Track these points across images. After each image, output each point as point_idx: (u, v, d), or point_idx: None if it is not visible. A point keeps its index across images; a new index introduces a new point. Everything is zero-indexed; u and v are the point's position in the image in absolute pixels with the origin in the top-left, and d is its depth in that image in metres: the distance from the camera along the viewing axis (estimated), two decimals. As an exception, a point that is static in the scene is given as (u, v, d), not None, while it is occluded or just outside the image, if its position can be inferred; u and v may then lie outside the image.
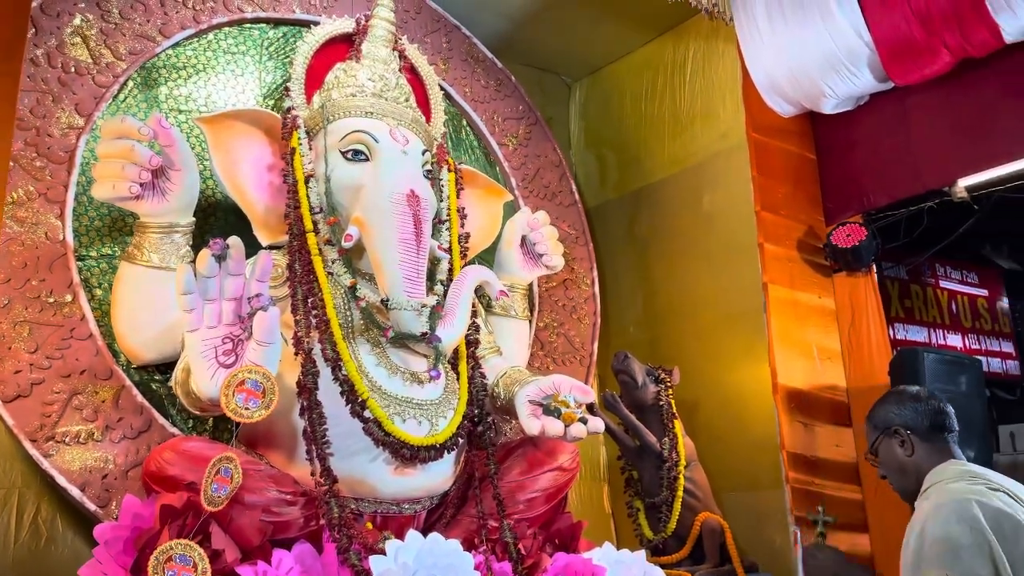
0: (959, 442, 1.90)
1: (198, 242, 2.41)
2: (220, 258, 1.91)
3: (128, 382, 2.33)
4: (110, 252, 2.45)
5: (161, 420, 2.35)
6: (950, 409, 1.92)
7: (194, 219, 2.41)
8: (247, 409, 1.90)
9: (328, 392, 2.21)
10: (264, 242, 2.49)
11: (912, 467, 1.87)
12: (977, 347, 5.65)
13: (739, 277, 3.23)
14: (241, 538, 1.96)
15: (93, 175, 2.27)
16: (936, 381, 3.07)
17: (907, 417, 1.89)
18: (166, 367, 2.39)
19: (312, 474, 2.14)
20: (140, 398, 2.34)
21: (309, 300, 2.32)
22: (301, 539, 2.08)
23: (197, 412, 2.23)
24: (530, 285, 3.25)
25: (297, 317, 2.29)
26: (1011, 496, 1.70)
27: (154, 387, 2.42)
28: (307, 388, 2.19)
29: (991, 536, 1.59)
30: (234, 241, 1.94)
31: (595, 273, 3.61)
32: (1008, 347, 5.92)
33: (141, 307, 2.29)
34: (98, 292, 2.41)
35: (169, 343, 2.28)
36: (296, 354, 2.23)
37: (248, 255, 2.02)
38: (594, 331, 3.53)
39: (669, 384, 3.17)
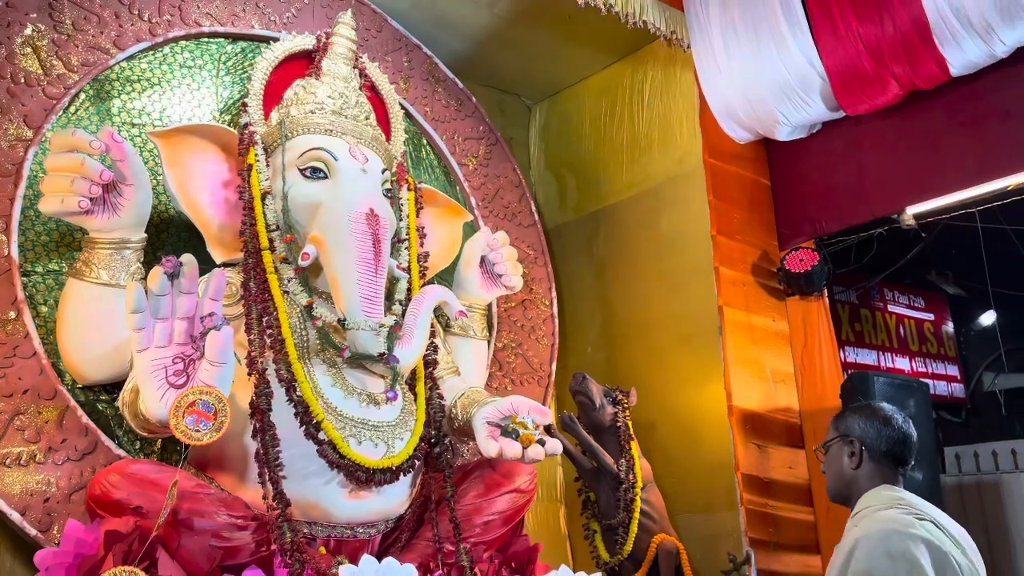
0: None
1: (150, 259, 2.37)
2: (172, 276, 1.87)
3: (73, 402, 2.25)
4: (57, 268, 2.38)
5: (107, 442, 2.28)
6: (913, 444, 1.93)
7: (146, 235, 2.35)
8: (197, 431, 1.85)
9: (282, 413, 2.17)
10: (218, 260, 2.44)
11: (851, 479, 1.90)
12: (923, 370, 5.80)
13: (695, 300, 3.27)
14: (189, 564, 1.91)
15: (41, 189, 2.20)
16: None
17: (868, 434, 1.91)
18: (113, 387, 2.32)
19: (264, 497, 2.09)
20: (85, 419, 2.26)
21: (264, 319, 2.28)
22: (252, 564, 2.03)
23: (145, 434, 2.17)
24: (489, 305, 3.25)
25: (251, 336, 2.25)
26: (937, 525, 1.72)
27: (100, 408, 2.34)
28: (260, 409, 2.14)
29: (913, 569, 1.59)
30: (187, 259, 1.90)
31: (554, 294, 3.62)
32: (953, 370, 6.09)
33: (88, 325, 2.23)
34: (43, 309, 2.33)
35: (117, 363, 2.22)
36: (249, 374, 2.19)
37: (201, 273, 1.98)
38: (552, 352, 3.54)
39: (626, 405, 3.19)
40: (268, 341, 2.25)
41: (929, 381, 5.66)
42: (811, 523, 2.97)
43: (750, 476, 2.91)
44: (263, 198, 2.41)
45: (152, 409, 1.89)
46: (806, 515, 2.98)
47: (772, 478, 2.97)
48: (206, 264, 2.23)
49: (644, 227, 3.58)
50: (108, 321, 2.19)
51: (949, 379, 6.02)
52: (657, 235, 3.51)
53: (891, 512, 1.75)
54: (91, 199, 2.15)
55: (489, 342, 3.25)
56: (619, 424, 3.15)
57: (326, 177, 2.42)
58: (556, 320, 3.59)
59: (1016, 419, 6.02)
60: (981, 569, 1.75)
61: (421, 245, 2.74)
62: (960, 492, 4.55)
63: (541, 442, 2.38)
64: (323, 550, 2.22)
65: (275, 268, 2.35)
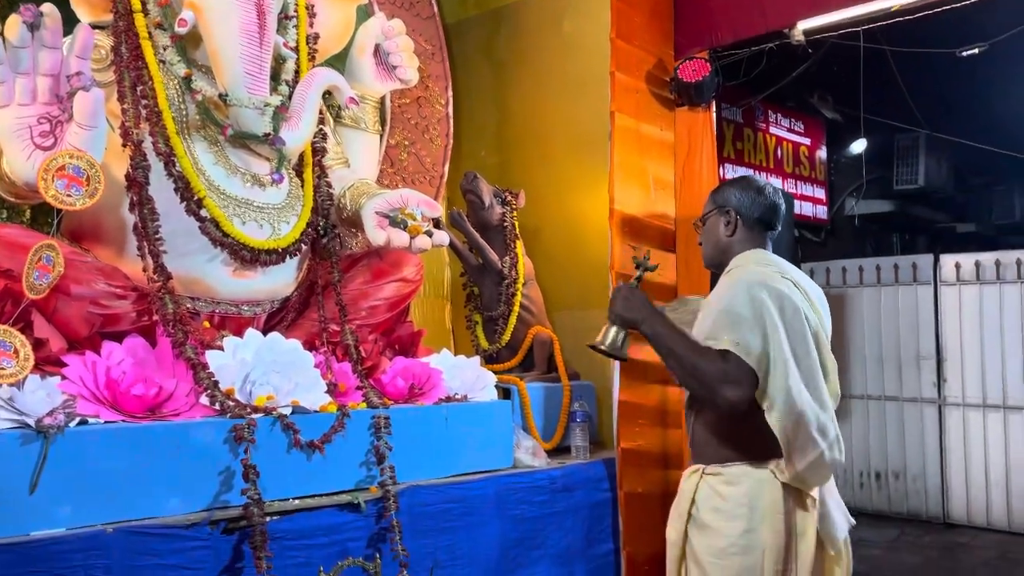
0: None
1: (6, 13, 2.15)
2: (33, 27, 1.73)
3: (-74, 165, 2.11)
4: None
5: (-30, 209, 2.17)
6: (781, 211, 2.17)
7: (-3, -16, 2.13)
8: (69, 196, 1.79)
9: (160, 188, 2.11)
10: (84, 19, 2.24)
11: (726, 245, 2.14)
12: (794, 191, 6.14)
13: (590, 105, 3.29)
14: (67, 329, 1.91)
15: None
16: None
17: (743, 203, 2.12)
18: (-28, 152, 2.18)
19: (144, 270, 2.07)
20: (-57, 183, 2.13)
21: (138, 88, 2.15)
22: (133, 333, 2.05)
23: (11, 199, 2.08)
24: (382, 99, 3.17)
25: (125, 106, 2.13)
26: (795, 284, 2.01)
27: (-41, 173, 2.20)
28: (137, 182, 2.08)
29: (768, 312, 1.89)
30: (48, 8, 1.75)
31: (450, 93, 3.56)
32: (820, 193, 6.49)
33: (-63, 80, 2.04)
34: None
35: (-27, 124, 2.07)
36: (124, 145, 2.09)
37: (66, 32, 1.83)
38: (446, 153, 3.53)
39: (514, 207, 3.27)
40: (143, 112, 2.14)
41: (798, 201, 6.03)
42: (674, 321, 3.21)
43: (624, 275, 3.08)
44: (133, -47, 2.19)
45: (18, 170, 1.80)
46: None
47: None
48: (70, 23, 2.05)
49: (546, 28, 3.50)
50: (-40, 76, 2.01)
51: (815, 201, 6.43)
52: (559, 37, 3.45)
53: (759, 268, 2.02)
54: (-72, -67, 1.91)
55: (381, 137, 3.20)
56: (506, 224, 3.25)
57: (204, -65, 2.22)
58: (451, 120, 3.55)
59: (868, 241, 6.57)
60: (827, 322, 2.06)
61: (311, 25, 2.59)
62: (810, 303, 5.00)
63: (429, 233, 2.44)
64: (207, 324, 2.26)
65: (149, 34, 2.19)
